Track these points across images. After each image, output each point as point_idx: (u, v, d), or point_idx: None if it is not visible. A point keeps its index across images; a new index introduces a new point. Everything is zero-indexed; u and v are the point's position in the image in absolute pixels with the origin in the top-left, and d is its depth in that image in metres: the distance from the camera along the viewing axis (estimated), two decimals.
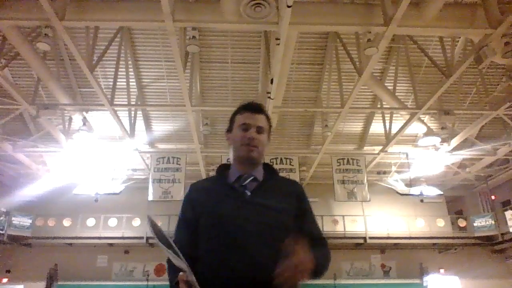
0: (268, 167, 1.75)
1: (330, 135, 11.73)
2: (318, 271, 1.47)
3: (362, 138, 14.06)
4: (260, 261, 1.43)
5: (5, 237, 14.61)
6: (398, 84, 11.28)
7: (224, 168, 1.74)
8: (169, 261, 1.46)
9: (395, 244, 15.97)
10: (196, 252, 1.53)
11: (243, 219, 1.50)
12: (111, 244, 15.73)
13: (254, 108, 1.72)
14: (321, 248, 1.61)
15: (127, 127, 11.79)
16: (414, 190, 14.73)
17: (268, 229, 1.51)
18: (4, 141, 12.52)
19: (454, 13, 8.02)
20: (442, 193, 15.74)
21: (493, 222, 15.44)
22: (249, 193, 1.59)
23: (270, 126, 1.76)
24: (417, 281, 15.59)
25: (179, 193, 12.23)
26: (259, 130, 1.67)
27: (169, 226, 13.14)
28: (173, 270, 1.43)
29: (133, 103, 11.71)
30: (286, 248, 1.34)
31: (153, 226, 1.38)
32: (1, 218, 14.61)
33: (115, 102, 10.47)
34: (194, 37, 7.87)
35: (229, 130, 1.75)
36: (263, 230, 1.50)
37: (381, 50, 8.21)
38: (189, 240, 1.57)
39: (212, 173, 1.91)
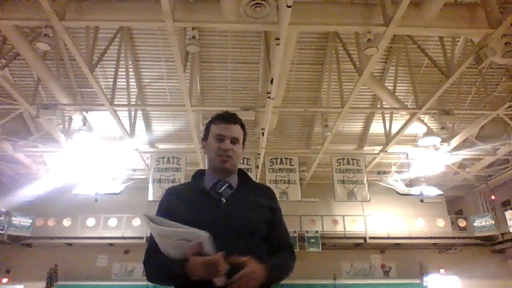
0: (242, 174, 1.82)
1: (330, 135, 11.72)
2: (273, 279, 1.58)
3: (362, 138, 14.06)
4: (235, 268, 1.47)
5: (5, 237, 14.61)
6: (398, 84, 11.28)
7: (199, 174, 1.81)
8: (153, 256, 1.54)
9: (395, 244, 15.97)
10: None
11: (218, 228, 1.53)
12: (111, 244, 15.73)
13: (229, 118, 1.77)
14: (282, 256, 1.72)
15: (127, 127, 11.78)
16: (414, 190, 14.72)
17: (242, 237, 1.58)
18: (4, 141, 12.52)
19: (454, 13, 8.02)
20: (442, 193, 15.73)
21: (493, 222, 15.43)
22: (224, 200, 1.66)
23: (245, 134, 1.84)
24: (417, 281, 15.58)
25: None
26: (234, 140, 1.74)
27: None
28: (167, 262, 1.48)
29: (133, 103, 11.71)
30: (237, 261, 1.43)
31: (151, 219, 1.45)
32: (1, 218, 14.60)
33: (115, 102, 10.47)
34: (194, 37, 7.86)
35: (205, 138, 1.81)
36: (237, 238, 1.56)
37: (381, 50, 8.21)
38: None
39: None
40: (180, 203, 1.67)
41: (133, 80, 11.40)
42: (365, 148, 14.01)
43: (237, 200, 1.67)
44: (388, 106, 11.49)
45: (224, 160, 1.70)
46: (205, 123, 1.86)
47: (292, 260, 1.77)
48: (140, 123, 12.84)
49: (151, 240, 1.62)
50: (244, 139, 1.83)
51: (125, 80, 10.83)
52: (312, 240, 15.09)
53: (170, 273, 1.49)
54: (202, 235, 1.40)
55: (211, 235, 1.41)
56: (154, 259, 1.55)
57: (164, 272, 1.52)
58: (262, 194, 1.79)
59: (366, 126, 13.70)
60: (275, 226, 1.75)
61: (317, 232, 15.38)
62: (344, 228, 16.01)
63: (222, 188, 1.69)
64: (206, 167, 1.80)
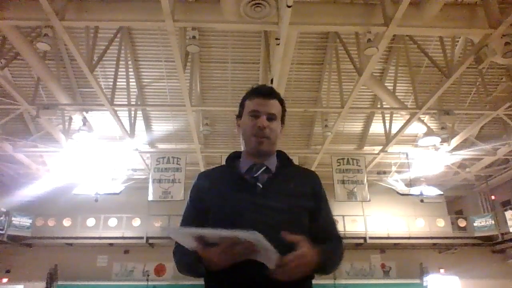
0: (282, 156, 1.62)
1: (330, 135, 11.73)
2: (324, 267, 1.41)
3: (362, 138, 14.06)
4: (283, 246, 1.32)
5: (5, 237, 14.63)
6: (398, 84, 11.28)
7: (234, 157, 1.62)
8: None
9: (395, 244, 15.98)
10: None
11: (253, 216, 1.40)
12: (111, 244, 15.73)
13: (265, 92, 1.58)
14: (333, 245, 1.54)
15: (127, 127, 11.79)
16: (414, 190, 14.73)
17: (281, 224, 1.39)
18: (4, 141, 12.52)
19: (454, 13, 8.02)
20: (442, 193, 15.74)
21: (493, 222, 15.44)
22: (260, 186, 1.48)
23: (284, 111, 1.63)
24: (417, 281, 15.60)
25: (179, 193, 12.23)
26: (271, 117, 1.54)
27: (169, 226, 13.13)
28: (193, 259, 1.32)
29: (133, 103, 11.71)
30: (289, 237, 1.28)
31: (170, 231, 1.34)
32: (1, 218, 14.62)
33: (115, 102, 10.47)
34: (194, 37, 7.86)
35: (239, 115, 1.63)
36: (276, 225, 1.36)
37: (381, 50, 8.21)
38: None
39: None
40: (212, 192, 1.51)
41: (133, 80, 11.39)
42: (365, 148, 14.01)
43: (275, 186, 1.48)
44: (388, 106, 11.49)
45: (260, 141, 1.51)
46: (241, 98, 1.65)
47: (342, 252, 1.58)
48: (140, 123, 12.84)
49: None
50: (283, 116, 1.62)
51: (125, 80, 10.82)
52: None
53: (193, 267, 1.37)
54: (250, 237, 1.19)
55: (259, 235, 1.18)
56: (180, 249, 1.39)
57: (188, 264, 1.41)
58: (305, 179, 1.58)
59: (366, 126, 13.69)
60: (320, 215, 1.53)
61: None
62: (344, 228, 16.00)
63: (259, 172, 1.50)
64: (242, 148, 1.62)
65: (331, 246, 1.51)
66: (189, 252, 1.32)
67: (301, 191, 1.52)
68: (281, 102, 1.61)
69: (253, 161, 1.54)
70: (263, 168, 1.52)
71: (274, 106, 1.57)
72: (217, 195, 1.49)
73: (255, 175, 1.51)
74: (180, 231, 1.30)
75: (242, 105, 1.63)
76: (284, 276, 1.25)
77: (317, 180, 1.61)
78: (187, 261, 1.39)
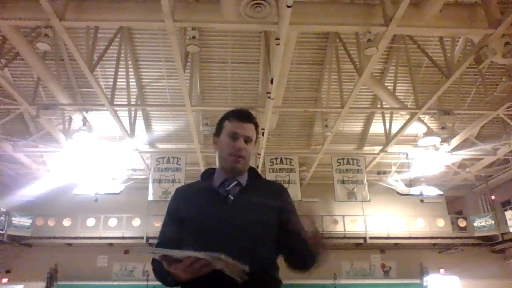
0: (251, 171, 1.76)
1: (330, 135, 11.73)
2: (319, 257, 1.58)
3: (362, 138, 14.06)
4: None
5: (5, 237, 14.62)
6: (398, 84, 11.28)
7: (209, 173, 1.75)
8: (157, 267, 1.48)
9: (395, 244, 15.97)
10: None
11: (225, 224, 1.51)
12: (111, 244, 15.72)
13: (244, 117, 1.72)
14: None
15: (127, 127, 11.78)
16: (414, 190, 14.73)
17: (249, 233, 1.52)
18: (4, 141, 12.52)
19: (454, 13, 8.02)
20: (442, 193, 15.75)
21: (493, 222, 15.44)
22: (232, 198, 1.61)
23: (258, 134, 1.78)
24: (417, 281, 15.59)
25: None
26: (247, 140, 1.68)
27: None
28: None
29: (133, 103, 11.72)
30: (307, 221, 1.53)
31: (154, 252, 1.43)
32: (1, 218, 14.62)
33: (115, 102, 10.47)
34: (194, 37, 7.86)
35: (217, 134, 1.76)
36: (244, 234, 1.51)
37: (381, 50, 8.21)
38: (174, 241, 1.58)
39: None
40: (188, 204, 1.64)
41: (133, 80, 11.39)
42: (365, 148, 14.01)
43: (244, 198, 1.61)
44: (388, 106, 11.49)
45: (237, 160, 1.65)
46: (218, 118, 1.80)
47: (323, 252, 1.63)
48: (140, 123, 12.84)
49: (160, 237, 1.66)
50: (256, 138, 1.77)
51: (125, 80, 10.83)
52: None
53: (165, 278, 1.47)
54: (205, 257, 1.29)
55: (215, 255, 1.27)
56: (156, 261, 1.48)
57: (161, 275, 1.49)
58: (273, 192, 1.70)
59: (366, 126, 13.69)
60: (291, 220, 1.63)
61: None
62: (344, 228, 16.00)
63: (231, 186, 1.64)
64: (217, 164, 1.75)
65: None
66: (162, 265, 1.41)
67: (269, 203, 1.63)
68: (256, 126, 1.76)
69: (226, 176, 1.67)
70: (235, 183, 1.65)
71: (251, 129, 1.71)
72: (193, 207, 1.61)
73: (227, 189, 1.63)
74: (148, 251, 1.40)
75: (220, 125, 1.75)
76: (316, 245, 1.54)
77: (284, 190, 1.74)
78: (160, 272, 1.47)
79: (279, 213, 1.63)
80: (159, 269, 1.44)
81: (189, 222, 1.58)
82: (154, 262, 1.52)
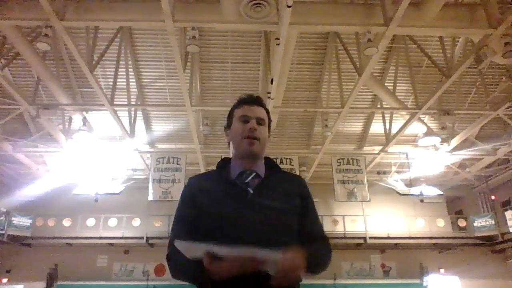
0: (269, 162, 1.68)
1: (330, 135, 11.73)
2: (312, 268, 1.41)
3: (362, 138, 14.06)
4: None
5: (5, 237, 14.62)
6: (398, 84, 11.28)
7: (224, 163, 1.67)
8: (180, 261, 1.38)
9: (395, 244, 15.97)
10: None
11: (245, 220, 1.45)
12: (111, 244, 15.72)
13: (253, 100, 1.67)
14: (319, 246, 1.55)
15: (127, 127, 11.78)
16: (414, 190, 14.73)
17: (271, 229, 1.46)
18: (4, 141, 12.53)
19: (454, 13, 8.02)
20: (442, 193, 15.73)
21: (493, 222, 15.43)
22: (251, 191, 1.53)
23: (270, 121, 1.71)
24: (417, 281, 15.58)
25: (179, 193, 12.15)
26: (259, 121, 1.62)
27: (169, 226, 13.12)
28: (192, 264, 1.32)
29: (133, 103, 11.72)
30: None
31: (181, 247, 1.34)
32: (1, 218, 14.61)
33: (115, 102, 10.47)
34: (194, 37, 7.86)
35: (228, 126, 1.68)
36: (266, 231, 1.45)
37: (381, 50, 8.21)
38: (188, 236, 1.47)
39: None
40: (204, 195, 1.54)
41: (133, 80, 11.39)
42: (365, 148, 14.02)
43: (265, 191, 1.53)
44: (388, 106, 11.50)
45: (251, 142, 1.56)
46: (228, 111, 1.71)
47: (329, 252, 1.59)
48: (140, 123, 12.84)
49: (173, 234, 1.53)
50: (269, 125, 1.69)
51: (125, 80, 10.82)
52: None
53: (194, 273, 1.38)
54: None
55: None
56: (178, 256, 1.36)
57: (188, 272, 1.42)
58: (293, 183, 1.65)
59: (366, 126, 13.69)
60: (307, 218, 1.59)
61: None
62: (344, 228, 16.01)
63: (249, 178, 1.56)
64: (231, 156, 1.66)
65: (317, 246, 1.54)
66: (189, 261, 1.32)
67: (290, 196, 1.58)
68: (267, 111, 1.70)
69: (243, 167, 1.59)
70: (253, 174, 1.58)
71: (261, 112, 1.65)
72: (209, 200, 1.52)
73: (245, 181, 1.56)
74: (193, 245, 1.31)
75: (230, 115, 1.69)
76: (284, 280, 1.28)
77: (304, 184, 1.68)
78: (186, 269, 1.40)
79: (299, 203, 1.58)
80: (186, 265, 1.35)
81: (206, 218, 1.50)
82: (175, 258, 1.42)
